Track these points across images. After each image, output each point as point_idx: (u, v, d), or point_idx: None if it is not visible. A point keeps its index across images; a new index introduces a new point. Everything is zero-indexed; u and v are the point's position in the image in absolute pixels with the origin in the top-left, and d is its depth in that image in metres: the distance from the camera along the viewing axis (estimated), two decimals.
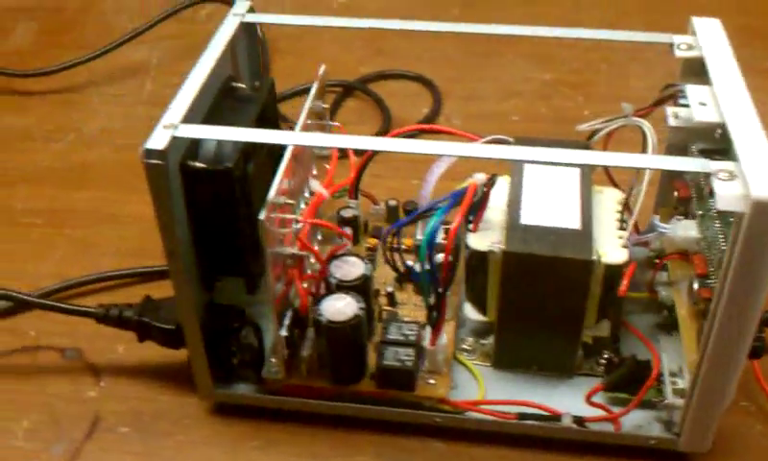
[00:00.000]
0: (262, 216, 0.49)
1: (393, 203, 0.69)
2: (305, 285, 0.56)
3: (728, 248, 0.45)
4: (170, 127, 0.49)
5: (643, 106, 0.58)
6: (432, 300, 0.54)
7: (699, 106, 0.50)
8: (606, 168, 0.62)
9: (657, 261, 0.61)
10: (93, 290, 0.70)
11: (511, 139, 0.59)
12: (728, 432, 0.53)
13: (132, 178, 0.82)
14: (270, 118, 0.60)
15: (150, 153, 0.48)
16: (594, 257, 0.53)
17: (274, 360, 0.57)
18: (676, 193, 0.61)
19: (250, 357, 0.58)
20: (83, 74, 0.98)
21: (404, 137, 0.62)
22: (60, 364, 0.64)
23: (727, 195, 0.44)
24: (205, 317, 0.56)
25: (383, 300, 0.63)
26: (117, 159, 0.86)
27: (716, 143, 0.51)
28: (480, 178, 0.54)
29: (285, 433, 0.58)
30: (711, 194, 0.46)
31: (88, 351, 0.65)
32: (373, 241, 0.67)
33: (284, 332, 0.54)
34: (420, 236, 0.65)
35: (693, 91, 0.52)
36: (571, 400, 0.57)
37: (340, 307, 0.54)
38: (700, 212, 0.56)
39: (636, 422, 0.56)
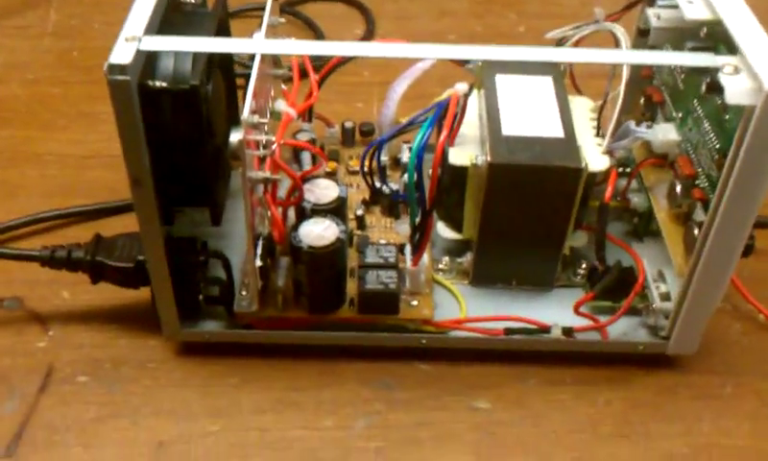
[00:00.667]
0: (238, 136, 0.45)
1: (349, 124, 0.66)
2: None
3: (734, 142, 0.44)
4: (133, 39, 0.44)
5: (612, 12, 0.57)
6: (417, 220, 0.51)
7: (687, 3, 0.49)
8: (573, 77, 0.61)
9: (629, 168, 0.61)
10: (25, 234, 0.64)
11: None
12: (708, 333, 0.53)
13: (48, 114, 0.76)
14: (224, 36, 0.55)
15: (113, 68, 0.43)
16: (583, 165, 0.51)
17: (245, 293, 0.54)
18: (642, 100, 0.61)
19: (218, 292, 0.54)
20: None
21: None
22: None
23: (737, 90, 0.42)
24: (168, 251, 0.52)
25: (351, 223, 0.59)
26: (30, 94, 0.78)
27: (703, 42, 0.50)
28: (462, 88, 0.51)
29: (263, 368, 0.55)
30: (713, 89, 0.44)
31: (29, 298, 0.59)
32: (333, 165, 0.64)
33: (258, 262, 0.51)
34: (384, 157, 0.62)
35: None
36: (555, 313, 0.56)
37: (319, 232, 0.51)
38: (679, 114, 0.55)
39: (621, 329, 0.55)
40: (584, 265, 0.58)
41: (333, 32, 0.87)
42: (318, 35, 0.85)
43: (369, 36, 0.86)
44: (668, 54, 0.52)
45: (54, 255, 0.54)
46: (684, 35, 0.51)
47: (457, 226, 0.58)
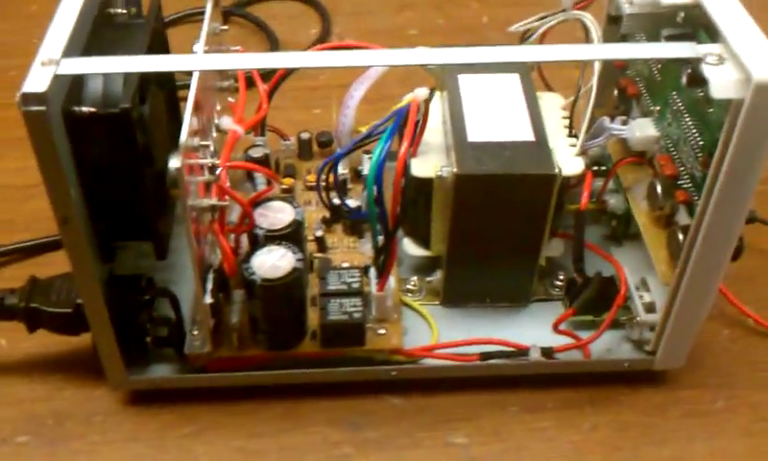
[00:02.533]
0: (176, 163, 0.40)
1: (305, 136, 0.61)
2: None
3: (721, 140, 0.40)
4: (50, 63, 0.39)
5: None
6: (381, 240, 0.47)
7: None
8: (541, 73, 0.57)
9: (605, 168, 0.57)
10: None
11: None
12: (695, 341, 0.49)
13: None
14: (161, 49, 0.51)
15: (28, 98, 0.38)
16: (556, 171, 0.47)
17: (197, 332, 0.49)
18: (616, 92, 0.57)
19: (167, 333, 0.50)
20: None
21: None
22: None
23: (722, 81, 0.38)
24: (108, 292, 0.47)
25: (311, 245, 0.55)
26: None
27: (681, 28, 0.46)
28: (422, 93, 0.46)
29: (220, 415, 0.50)
30: (695, 82, 0.40)
31: None
32: (289, 181, 0.59)
33: (208, 300, 0.46)
34: (344, 170, 0.57)
35: None
36: (533, 331, 0.52)
37: (274, 262, 0.47)
38: (656, 108, 0.51)
39: (604, 345, 0.52)
40: (561, 276, 0.54)
41: (287, 33, 0.82)
42: (270, 38, 0.80)
43: (325, 35, 0.81)
44: (644, 46, 0.48)
45: None
46: (660, 21, 0.47)
47: (424, 242, 0.53)
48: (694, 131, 0.46)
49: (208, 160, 0.46)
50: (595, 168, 0.57)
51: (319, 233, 0.54)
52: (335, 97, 0.75)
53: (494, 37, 0.80)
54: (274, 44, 0.79)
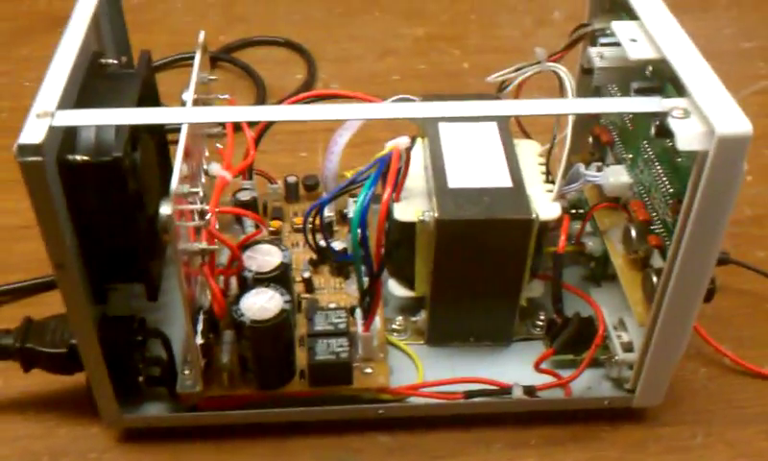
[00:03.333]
0: (167, 210, 0.42)
1: (292, 179, 0.63)
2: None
3: (689, 188, 0.42)
4: (45, 115, 0.41)
5: (552, 51, 0.55)
6: (366, 283, 0.49)
7: (630, 42, 0.47)
8: (518, 120, 0.59)
9: (583, 211, 0.59)
10: None
11: (416, 98, 0.56)
12: (673, 380, 0.51)
13: None
14: (151, 97, 0.53)
15: (24, 149, 0.39)
16: (534, 215, 0.49)
17: (188, 372, 0.50)
18: (591, 139, 0.59)
19: (159, 372, 0.51)
20: None
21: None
22: None
23: (687, 134, 0.41)
24: (102, 332, 0.48)
25: (299, 286, 0.57)
26: None
27: (649, 81, 0.48)
28: (403, 141, 0.48)
29: (212, 452, 0.51)
30: (663, 133, 0.42)
31: None
32: (276, 224, 0.61)
33: (199, 340, 0.48)
34: (330, 213, 0.59)
35: (621, 28, 0.48)
36: (516, 370, 0.54)
37: (263, 304, 0.48)
38: (629, 156, 0.53)
39: (585, 383, 0.53)
40: (542, 316, 0.56)
41: (274, 77, 0.84)
42: (257, 83, 0.82)
43: (311, 80, 0.84)
44: (613, 101, 0.51)
45: None
46: (630, 73, 0.49)
47: (409, 282, 0.55)
48: (664, 178, 0.48)
49: (198, 206, 0.47)
50: (573, 211, 0.60)
51: (306, 275, 0.56)
52: (321, 140, 0.77)
53: (474, 83, 0.83)
54: (261, 89, 0.81)
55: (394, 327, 0.56)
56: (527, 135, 0.59)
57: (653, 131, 0.44)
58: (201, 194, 0.51)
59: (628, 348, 0.52)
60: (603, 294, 0.58)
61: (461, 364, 0.54)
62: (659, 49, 0.45)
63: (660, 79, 0.48)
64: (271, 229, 0.60)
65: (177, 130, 0.46)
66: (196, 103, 0.51)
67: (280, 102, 0.79)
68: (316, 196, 0.63)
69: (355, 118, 0.49)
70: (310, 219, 0.51)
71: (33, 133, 0.40)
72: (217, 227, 0.55)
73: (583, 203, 0.61)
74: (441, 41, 0.91)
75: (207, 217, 0.47)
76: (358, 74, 0.86)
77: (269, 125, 0.58)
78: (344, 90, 0.63)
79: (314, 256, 0.57)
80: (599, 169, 0.55)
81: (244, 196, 0.60)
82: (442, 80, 0.84)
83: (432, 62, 0.88)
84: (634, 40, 0.47)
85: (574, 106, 0.48)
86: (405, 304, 0.57)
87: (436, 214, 0.49)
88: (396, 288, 0.55)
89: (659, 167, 0.49)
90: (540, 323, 0.56)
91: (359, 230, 0.47)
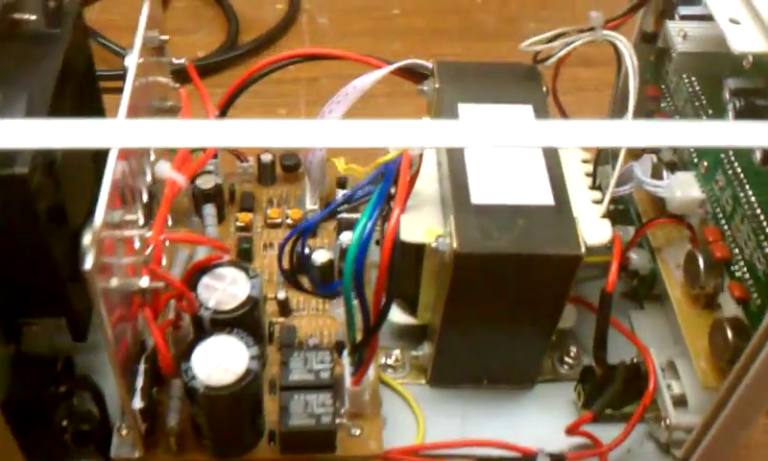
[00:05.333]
0: (88, 265, 0.29)
1: (267, 158, 0.50)
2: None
3: None
4: None
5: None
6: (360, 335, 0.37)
7: (732, 26, 0.34)
8: (555, 97, 0.46)
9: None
10: None
11: (429, 64, 0.45)
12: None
13: None
14: (79, 67, 0.40)
15: None
16: (582, 250, 0.37)
17: (125, 433, 0.39)
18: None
19: (90, 428, 0.40)
20: None
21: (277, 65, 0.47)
22: None
23: None
24: (15, 378, 0.37)
25: (271, 304, 0.45)
26: None
27: (746, 78, 0.36)
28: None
29: None
30: None
31: None
32: (246, 217, 0.48)
33: (138, 404, 0.36)
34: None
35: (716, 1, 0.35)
36: (539, 424, 0.43)
37: (221, 362, 0.36)
38: (703, 163, 0.41)
39: (624, 445, 0.42)
40: (573, 351, 0.45)
41: (248, 8, 0.71)
42: (228, 14, 0.68)
43: (293, 12, 0.70)
44: (722, 127, 0.34)
45: None
46: (720, 63, 0.37)
47: (410, 306, 0.44)
48: (758, 210, 0.36)
49: (135, 232, 0.35)
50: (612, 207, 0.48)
51: (281, 296, 0.44)
52: (304, 94, 0.65)
53: (488, 22, 0.69)
54: (232, 22, 0.67)
55: (389, 362, 0.45)
56: (565, 117, 0.47)
57: (758, 157, 0.32)
58: (144, 198, 0.39)
59: (679, 401, 0.42)
60: (646, 319, 0.47)
61: (472, 414, 0.44)
62: None
63: (764, 74, 0.35)
64: (238, 224, 0.48)
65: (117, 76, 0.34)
66: (144, 68, 0.39)
67: (256, 42, 0.66)
68: (296, 179, 0.51)
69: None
70: (287, 248, 0.39)
71: None
72: (167, 243, 0.42)
73: (626, 201, 0.49)
74: None
75: (148, 251, 0.35)
76: (349, 5, 0.72)
77: (238, 92, 0.46)
78: (337, 49, 0.50)
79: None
80: (656, 172, 0.43)
81: (205, 183, 0.47)
82: (449, 16, 0.71)
83: None
84: (735, 22, 0.35)
85: (677, 134, 0.31)
86: (404, 332, 0.45)
87: (455, 245, 0.37)
88: (394, 313, 0.44)
89: (751, 193, 0.37)
90: (570, 361, 0.45)
91: (354, 267, 0.35)
